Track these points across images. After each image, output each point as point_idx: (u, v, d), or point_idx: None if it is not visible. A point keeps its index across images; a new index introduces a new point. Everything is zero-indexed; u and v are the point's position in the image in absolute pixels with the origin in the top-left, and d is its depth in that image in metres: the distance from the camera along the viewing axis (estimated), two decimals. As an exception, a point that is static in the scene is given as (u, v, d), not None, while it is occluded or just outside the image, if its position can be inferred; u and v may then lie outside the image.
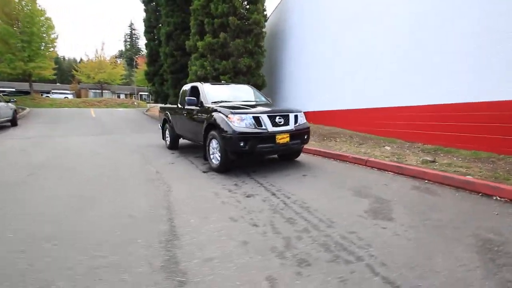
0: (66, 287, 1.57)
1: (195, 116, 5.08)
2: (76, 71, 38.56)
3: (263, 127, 4.08)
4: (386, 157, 5.02)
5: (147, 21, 18.00)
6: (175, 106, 6.59)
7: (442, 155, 4.91)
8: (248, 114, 4.05)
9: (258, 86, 12.78)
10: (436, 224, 2.31)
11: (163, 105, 8.26)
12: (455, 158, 4.55)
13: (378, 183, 3.61)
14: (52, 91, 38.58)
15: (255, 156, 5.10)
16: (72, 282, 1.61)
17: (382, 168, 4.35)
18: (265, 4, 12.88)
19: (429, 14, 5.68)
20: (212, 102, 4.83)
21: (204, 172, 4.38)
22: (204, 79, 12.42)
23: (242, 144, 3.92)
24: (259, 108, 4.31)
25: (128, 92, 47.07)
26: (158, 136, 9.82)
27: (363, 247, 1.97)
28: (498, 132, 4.44)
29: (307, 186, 3.53)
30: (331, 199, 2.99)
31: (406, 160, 4.68)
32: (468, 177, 3.32)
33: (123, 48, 65.82)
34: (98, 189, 3.45)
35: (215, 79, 12.35)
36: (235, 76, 12.38)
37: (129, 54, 60.31)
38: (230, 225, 2.38)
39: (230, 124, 3.99)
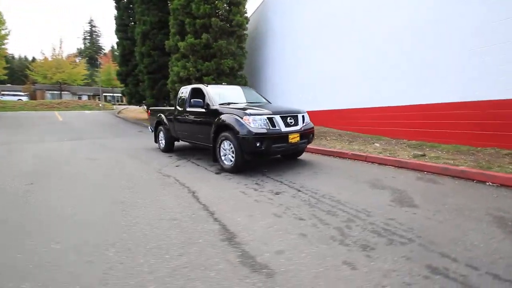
0: (157, 288, 1.59)
1: (202, 118, 5.07)
2: (30, 70, 35.14)
3: (277, 127, 4.24)
4: (379, 152, 5.49)
5: (118, 19, 17.08)
6: (171, 108, 6.47)
7: (427, 149, 5.50)
8: (263, 115, 4.19)
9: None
10: (455, 208, 2.68)
11: (154, 108, 8.00)
12: (440, 152, 5.14)
13: (386, 176, 3.98)
14: (2, 92, 34.63)
15: (266, 156, 5.27)
16: (165, 285, 1.62)
17: (381, 162, 4.77)
18: (246, 7, 13.02)
19: (411, 25, 6.31)
20: (219, 104, 4.88)
21: (216, 173, 4.41)
22: (186, 81, 12.24)
23: (258, 145, 4.04)
24: (271, 109, 4.46)
25: (91, 93, 43.97)
26: (142, 140, 9.54)
27: (407, 230, 2.23)
28: (475, 128, 5.11)
29: (325, 182, 3.77)
30: (355, 192, 3.26)
31: (398, 155, 5.17)
32: (463, 167, 3.83)
33: (82, 46, 61.31)
34: (124, 195, 3.34)
35: (198, 80, 12.22)
36: (218, 77, 12.36)
37: (89, 53, 56.41)
38: (278, 220, 2.51)
39: (246, 125, 4.09)
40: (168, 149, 6.58)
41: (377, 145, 6.41)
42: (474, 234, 2.14)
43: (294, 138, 4.39)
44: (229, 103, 5.00)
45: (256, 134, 4.02)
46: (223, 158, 4.53)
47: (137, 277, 1.70)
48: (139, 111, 24.71)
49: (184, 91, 6.03)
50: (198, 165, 5.06)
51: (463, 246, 1.96)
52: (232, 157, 4.34)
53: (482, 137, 4.97)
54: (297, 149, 4.83)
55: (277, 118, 4.28)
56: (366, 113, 7.59)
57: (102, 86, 38.44)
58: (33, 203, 3.08)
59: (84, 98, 41.90)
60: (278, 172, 4.36)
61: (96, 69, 44.05)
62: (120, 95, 51.29)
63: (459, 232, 2.19)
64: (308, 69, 10.45)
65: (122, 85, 18.60)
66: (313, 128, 4.94)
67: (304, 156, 5.65)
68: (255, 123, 4.10)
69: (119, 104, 45.26)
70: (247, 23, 12.59)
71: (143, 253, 1.97)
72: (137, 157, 5.97)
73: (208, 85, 5.53)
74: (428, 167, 4.09)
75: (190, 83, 12.30)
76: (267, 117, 4.20)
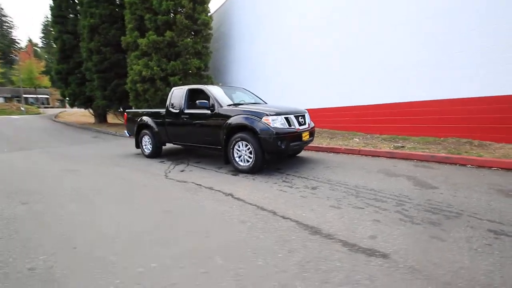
0: (303, 286, 1.63)
1: (207, 120, 4.91)
2: None
3: (292, 126, 4.43)
4: (363, 146, 6.19)
5: (55, 9, 14.79)
6: (158, 110, 6.07)
7: (401, 141, 6.41)
8: (281, 115, 4.33)
9: None
10: (466, 186, 3.30)
11: (133, 110, 7.28)
12: (413, 143, 6.06)
13: (388, 165, 4.56)
14: None
15: (283, 155, 5.40)
16: (306, 280, 1.66)
17: (374, 155, 5.41)
18: (209, 5, 12.79)
19: (380, 29, 7.22)
20: (227, 105, 4.82)
21: (234, 175, 4.37)
22: (150, 81, 11.46)
23: (279, 144, 4.17)
24: (282, 109, 4.62)
25: (9, 95, 36.81)
26: (106, 146, 8.75)
27: (449, 206, 2.69)
28: (437, 122, 6.18)
29: (345, 174, 4.12)
30: (379, 181, 3.68)
31: (380, 147, 5.93)
32: (443, 154, 4.66)
33: (-13, 38, 50.66)
34: (162, 204, 3.08)
35: (163, 80, 11.58)
36: (185, 78, 11.90)
37: (0, 47, 47.14)
38: (341, 211, 2.70)
39: (267, 125, 4.17)
40: (156, 153, 6.14)
41: (357, 139, 7.16)
42: (498, 204, 2.71)
43: (305, 136, 4.66)
44: (236, 104, 4.98)
45: (277, 133, 4.14)
46: (237, 159, 4.50)
47: (272, 278, 1.69)
48: (80, 115, 21.82)
49: (177, 92, 5.71)
50: (205, 168, 4.90)
51: (498, 214, 2.49)
52: (249, 157, 4.36)
53: (443, 129, 6.06)
54: (303, 147, 5.12)
55: (292, 118, 4.47)
56: (339, 111, 8.37)
57: (22, 87, 32.55)
58: (78, 224, 2.62)
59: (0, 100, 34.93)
60: (293, 169, 4.56)
61: (12, 66, 37.05)
62: (45, 96, 44.26)
63: (485, 203, 2.75)
64: (275, 69, 10.81)
65: (62, 84, 16.15)
66: (314, 126, 5.29)
67: (301, 153, 5.98)
68: (275, 123, 4.21)
69: (46, 107, 39.04)
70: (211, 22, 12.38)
71: (261, 257, 1.93)
72: (123, 165, 5.42)
73: (210, 86, 5.38)
74: (416, 155, 4.84)
75: (154, 83, 11.57)
76: (285, 117, 4.36)
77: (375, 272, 1.71)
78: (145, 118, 6.27)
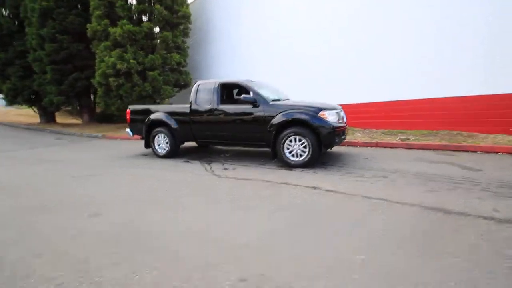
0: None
1: (253, 116, 4.72)
2: None
3: (341, 121, 4.61)
4: (371, 139, 6.78)
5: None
6: (182, 106, 5.56)
7: (400, 134, 7.21)
8: (333, 110, 4.45)
9: (185, 84, 12.06)
10: (499, 167, 3.95)
11: (142, 106, 6.41)
12: (413, 136, 6.88)
13: (415, 155, 5.11)
14: None
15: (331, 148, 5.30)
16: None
17: (392, 146, 5.98)
18: (188, -2, 12.13)
19: (370, 31, 7.93)
20: (272, 101, 4.73)
21: (288, 170, 4.30)
22: (125, 75, 10.31)
23: (335, 137, 4.31)
24: (329, 105, 4.74)
25: None
26: (85, 147, 7.78)
27: (496, 182, 3.21)
28: (429, 118, 7.14)
29: (391, 164, 4.44)
30: (430, 167, 4.09)
31: (388, 140, 6.59)
32: (458, 143, 5.45)
33: None
34: (269, 206, 2.88)
35: (140, 75, 10.55)
36: (164, 73, 11.07)
37: None
38: (442, 193, 2.96)
39: (325, 120, 4.25)
40: (173, 153, 5.62)
41: (359, 134, 7.76)
42: (541, 179, 3.36)
43: (347, 130, 4.90)
44: (279, 100, 4.92)
45: (334, 128, 4.27)
46: (289, 154, 4.47)
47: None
48: (15, 114, 18.12)
49: (204, 87, 5.31)
50: (248, 165, 4.72)
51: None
52: (303, 152, 4.38)
53: (435, 124, 7.04)
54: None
55: (341, 113, 4.65)
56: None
57: None
58: (193, 234, 2.25)
59: None
60: (336, 162, 4.72)
61: None
62: None
63: (531, 179, 3.37)
64: (253, 66, 10.87)
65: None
66: (345, 121, 5.58)
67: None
68: (331, 118, 4.32)
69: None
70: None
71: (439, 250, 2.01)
72: (147, 167, 4.85)
73: (248, 80, 5.15)
74: (432, 145, 5.55)
75: (130, 78, 10.43)
76: (336, 112, 4.51)
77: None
78: (159, 114, 5.67)
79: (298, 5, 9.53)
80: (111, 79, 10.18)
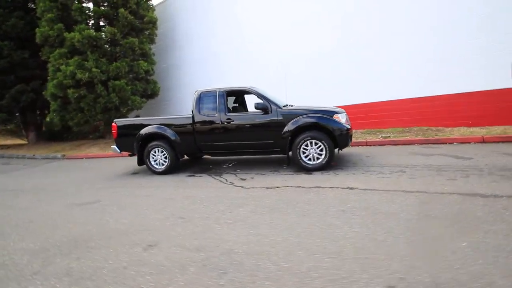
0: None
1: (266, 123, 4.66)
2: None
3: (348, 122, 4.85)
4: (355, 139, 7.30)
5: None
6: (181, 116, 5.20)
7: (378, 133, 7.89)
8: (343, 113, 4.66)
9: (152, 94, 11.39)
10: (482, 155, 4.62)
11: (131, 119, 5.77)
12: (390, 133, 7.60)
13: (406, 150, 5.64)
14: None
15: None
16: None
17: (380, 144, 6.51)
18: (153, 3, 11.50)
19: (361, 39, 8.56)
20: (283, 106, 4.74)
21: (308, 174, 4.35)
22: (87, 85, 9.24)
23: (349, 139, 4.52)
24: (335, 108, 4.95)
25: None
26: (45, 173, 6.89)
27: (494, 167, 3.78)
28: (402, 116, 7.97)
29: (393, 159, 4.83)
30: (424, 159, 4.57)
31: (370, 138, 7.18)
32: (437, 137, 6.19)
33: None
34: (341, 217, 2.84)
35: (104, 84, 9.58)
36: (131, 82, 10.27)
37: None
38: (464, 181, 3.34)
39: (339, 122, 4.42)
40: (174, 168, 5.22)
41: (342, 135, 8.26)
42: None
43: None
44: (288, 105, 4.96)
45: (348, 129, 4.48)
46: (306, 158, 4.52)
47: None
48: None
49: (207, 95, 5.04)
50: (263, 174, 4.63)
51: (538, 166, 3.76)
52: (319, 155, 4.48)
53: (407, 121, 7.90)
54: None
55: (347, 115, 4.90)
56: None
57: None
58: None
59: None
60: (345, 163, 4.95)
61: None
62: None
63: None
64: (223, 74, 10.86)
65: None
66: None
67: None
68: (343, 120, 4.52)
69: None
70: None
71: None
72: (149, 186, 4.42)
73: (256, 87, 5.04)
74: (416, 141, 6.21)
75: (93, 88, 9.37)
76: (345, 114, 4.73)
77: None
78: (154, 127, 5.20)
79: (271, 8, 9.78)
80: (70, 91, 8.99)
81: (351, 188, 3.44)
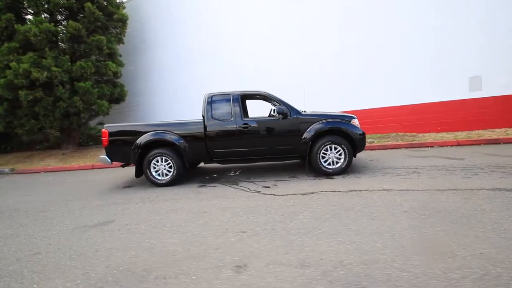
0: None
1: (287, 128, 4.55)
2: None
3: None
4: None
5: None
6: (191, 120, 4.74)
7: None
8: (356, 118, 4.82)
9: (119, 99, 10.39)
10: (470, 156, 5.25)
11: (126, 125, 5.00)
12: (374, 139, 8.17)
13: (400, 154, 6.10)
14: None
15: None
16: None
17: (371, 149, 6.91)
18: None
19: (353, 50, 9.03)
20: (303, 111, 4.70)
21: (330, 178, 4.36)
22: (45, 86, 7.93)
23: (365, 142, 4.69)
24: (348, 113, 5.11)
25: None
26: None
27: (489, 166, 4.35)
28: (379, 123, 8.66)
29: (397, 162, 5.17)
30: (425, 161, 5.00)
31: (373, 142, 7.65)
32: (423, 142, 6.84)
33: None
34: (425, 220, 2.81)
35: (64, 86, 8.34)
36: (97, 84, 9.18)
37: None
38: (478, 177, 3.72)
39: (357, 127, 4.56)
40: (180, 178, 4.71)
41: (328, 141, 8.59)
42: (499, 159, 4.69)
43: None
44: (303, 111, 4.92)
45: (364, 134, 4.63)
46: (327, 163, 4.53)
47: None
48: None
49: (219, 98, 4.71)
50: (283, 180, 4.48)
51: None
52: (338, 159, 4.54)
53: (384, 128, 8.61)
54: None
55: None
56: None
57: None
58: None
59: None
60: (356, 167, 5.13)
61: None
62: None
63: (496, 159, 4.66)
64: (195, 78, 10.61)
65: None
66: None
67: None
68: (358, 125, 4.68)
69: None
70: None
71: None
72: (160, 200, 3.92)
73: (270, 92, 4.86)
74: (403, 145, 6.78)
75: (52, 89, 8.03)
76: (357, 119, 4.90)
77: None
78: (157, 133, 4.64)
79: (253, 10, 9.83)
80: (22, 92, 7.54)
81: (388, 190, 3.54)
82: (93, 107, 8.99)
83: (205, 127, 4.62)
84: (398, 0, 8.28)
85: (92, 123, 10.41)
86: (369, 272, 1.76)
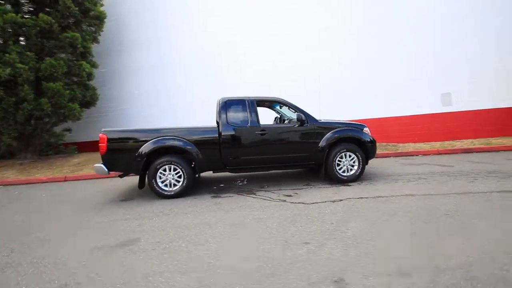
0: None
1: (306, 134, 4.51)
2: None
3: (368, 135, 5.22)
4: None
5: None
6: (205, 127, 4.41)
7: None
8: (367, 127, 4.98)
9: (89, 103, 9.45)
10: (458, 163, 5.76)
11: (127, 130, 4.39)
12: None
13: (393, 162, 6.45)
14: None
15: None
16: None
17: (385, 156, 7.23)
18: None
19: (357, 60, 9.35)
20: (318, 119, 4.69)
21: (347, 185, 4.38)
22: (7, 84, 6.86)
23: (376, 150, 4.85)
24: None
25: None
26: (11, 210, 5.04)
27: (481, 172, 4.83)
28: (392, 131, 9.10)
29: (397, 170, 5.45)
30: (421, 168, 5.36)
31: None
32: (408, 150, 7.32)
33: None
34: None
35: (32, 85, 7.32)
36: (68, 86, 8.25)
37: None
38: (483, 180, 4.06)
39: (369, 135, 4.70)
40: (190, 188, 4.31)
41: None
42: (492, 166, 5.24)
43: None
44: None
45: (375, 141, 4.79)
46: (342, 170, 4.55)
47: None
48: None
49: (233, 103, 4.48)
50: (301, 188, 4.38)
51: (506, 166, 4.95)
52: (352, 167, 4.61)
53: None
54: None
55: (366, 129, 5.27)
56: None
57: None
58: None
59: None
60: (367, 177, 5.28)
61: None
62: None
63: (485, 167, 5.19)
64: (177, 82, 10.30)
65: None
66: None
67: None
68: (369, 133, 4.83)
69: None
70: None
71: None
72: (175, 213, 3.55)
73: (286, 100, 4.75)
74: (391, 154, 7.20)
75: (15, 89, 6.99)
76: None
77: None
78: (168, 139, 4.21)
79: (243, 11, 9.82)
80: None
81: (412, 195, 3.66)
82: (62, 110, 7.95)
83: (219, 133, 4.34)
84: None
85: (57, 129, 9.16)
86: (478, 276, 1.73)
